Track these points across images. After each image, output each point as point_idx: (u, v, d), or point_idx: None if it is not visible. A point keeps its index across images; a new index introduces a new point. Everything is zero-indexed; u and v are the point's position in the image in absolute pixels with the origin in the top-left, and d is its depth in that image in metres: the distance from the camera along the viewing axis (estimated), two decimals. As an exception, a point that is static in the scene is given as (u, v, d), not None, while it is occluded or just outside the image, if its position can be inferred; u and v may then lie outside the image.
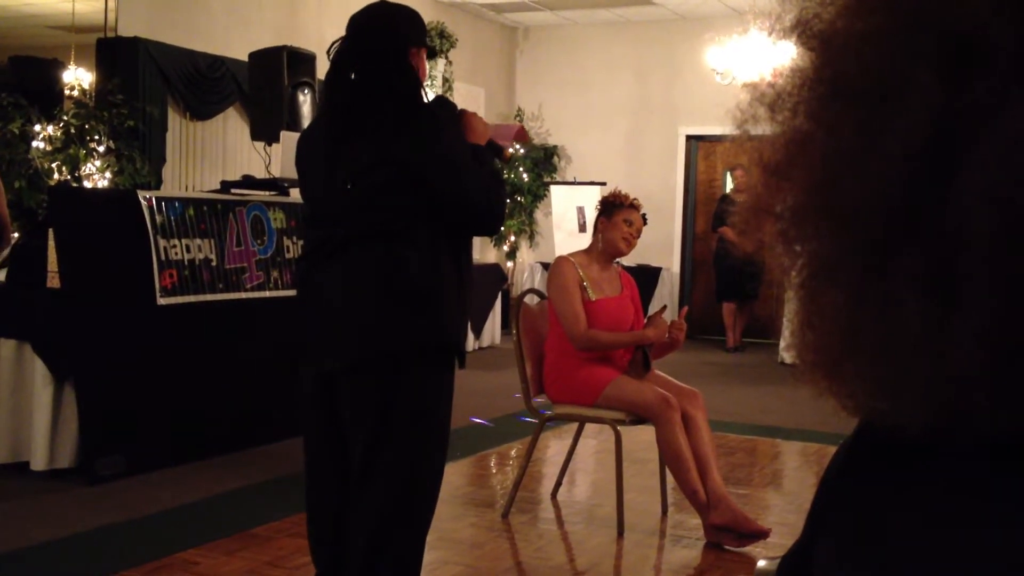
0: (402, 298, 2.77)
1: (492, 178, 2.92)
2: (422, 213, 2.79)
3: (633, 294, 4.53)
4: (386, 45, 2.87)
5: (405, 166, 2.76)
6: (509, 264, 11.53)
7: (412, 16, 2.99)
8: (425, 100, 2.92)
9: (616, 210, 4.41)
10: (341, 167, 2.82)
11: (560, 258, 4.43)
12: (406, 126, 2.79)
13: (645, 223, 4.49)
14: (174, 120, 7.98)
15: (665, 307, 4.59)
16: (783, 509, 4.79)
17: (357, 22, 2.94)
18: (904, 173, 0.57)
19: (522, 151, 11.53)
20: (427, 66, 3.02)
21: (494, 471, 5.53)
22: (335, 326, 2.83)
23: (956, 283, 0.55)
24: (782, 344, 9.36)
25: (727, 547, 4.10)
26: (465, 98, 11.03)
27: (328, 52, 2.94)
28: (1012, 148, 0.53)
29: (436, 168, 2.77)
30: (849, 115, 0.60)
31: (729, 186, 11.01)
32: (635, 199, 4.47)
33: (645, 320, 4.43)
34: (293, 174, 5.90)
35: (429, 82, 9.18)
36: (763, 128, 0.67)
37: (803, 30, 0.65)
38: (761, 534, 4.05)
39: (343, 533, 2.89)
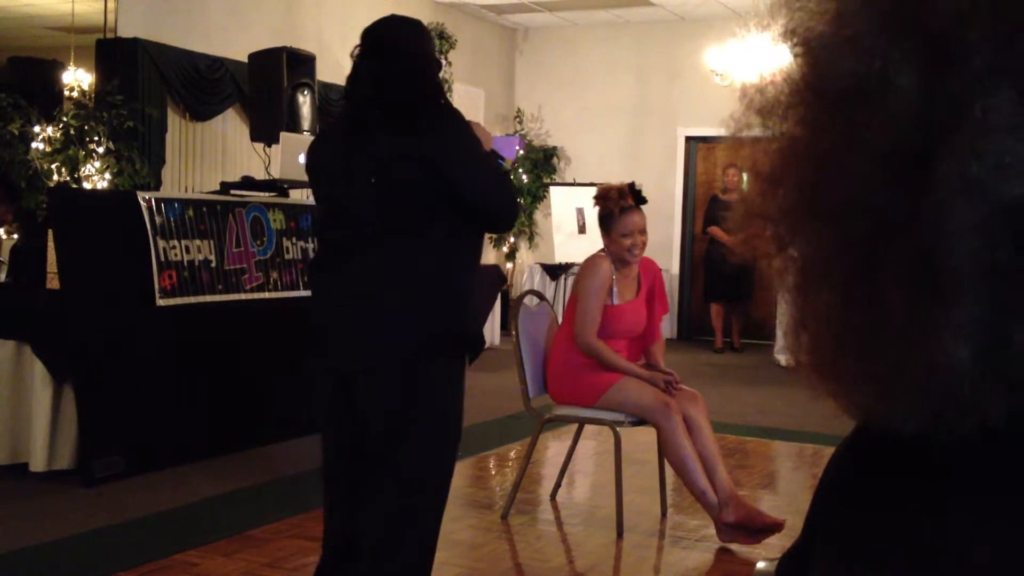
0: (417, 296, 2.80)
1: (506, 176, 2.99)
2: (439, 210, 2.82)
3: (652, 284, 4.43)
4: (406, 52, 2.92)
5: (427, 162, 2.78)
6: (508, 265, 11.53)
7: (422, 28, 3.04)
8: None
9: (611, 223, 4.29)
10: (359, 161, 2.84)
11: (597, 256, 4.33)
12: (428, 122, 2.83)
13: (644, 200, 4.30)
14: (173, 121, 7.97)
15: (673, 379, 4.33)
16: (780, 510, 4.78)
17: (372, 33, 2.97)
18: (884, 170, 0.58)
19: (522, 151, 11.54)
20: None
21: (493, 472, 5.54)
22: (351, 327, 2.85)
23: (937, 276, 0.56)
24: (776, 346, 9.37)
25: (743, 544, 4.08)
26: (464, 99, 11.04)
27: (351, 54, 2.97)
28: (984, 138, 0.54)
29: (458, 163, 2.81)
30: (832, 116, 0.62)
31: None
32: (627, 200, 4.25)
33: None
34: (292, 175, 5.94)
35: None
36: (756, 134, 0.69)
37: (792, 37, 0.67)
38: (775, 526, 4.01)
39: (355, 531, 2.91)
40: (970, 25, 0.56)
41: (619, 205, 4.27)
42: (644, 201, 4.34)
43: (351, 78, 2.96)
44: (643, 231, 4.30)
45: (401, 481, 2.84)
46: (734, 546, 4.16)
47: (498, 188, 2.89)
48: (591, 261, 4.34)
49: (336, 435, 2.98)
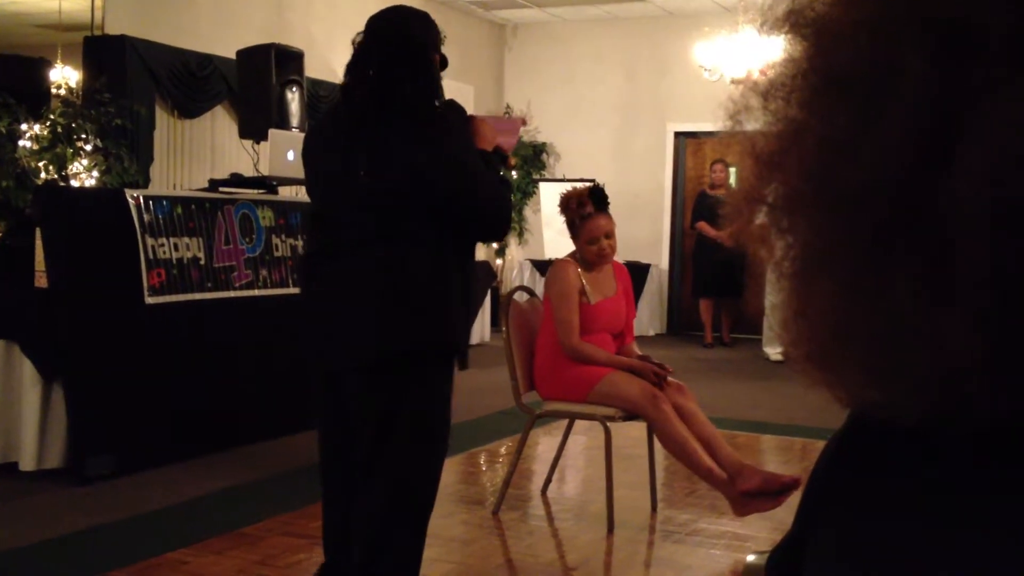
0: (406, 300, 2.79)
1: (500, 184, 2.94)
2: (430, 216, 2.81)
3: (626, 286, 4.52)
4: (406, 45, 2.88)
5: (416, 170, 2.77)
6: (499, 261, 11.53)
7: (430, 21, 3.00)
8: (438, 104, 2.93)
9: (576, 232, 4.27)
10: (353, 164, 2.83)
11: (562, 261, 4.38)
12: (419, 130, 2.81)
13: (607, 201, 4.24)
14: (162, 118, 7.95)
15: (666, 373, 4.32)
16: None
17: (377, 21, 2.94)
18: (899, 160, 0.57)
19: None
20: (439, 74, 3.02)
21: (484, 468, 5.54)
22: (340, 328, 2.85)
23: (951, 270, 0.55)
24: (764, 339, 9.40)
25: (763, 511, 3.96)
26: (454, 95, 10.97)
27: (353, 42, 2.93)
28: (1005, 131, 0.53)
29: (447, 173, 2.79)
30: (844, 103, 0.60)
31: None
32: (585, 208, 4.16)
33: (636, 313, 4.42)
34: (281, 172, 5.92)
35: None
36: (755, 119, 0.67)
37: (796, 19, 0.65)
38: (793, 483, 3.88)
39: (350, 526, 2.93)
40: (987, 11, 0.54)
41: (578, 214, 4.24)
42: (606, 202, 4.27)
43: (351, 66, 2.91)
44: (609, 235, 4.25)
45: (388, 480, 2.85)
46: (723, 540, 4.17)
47: (491, 199, 2.85)
48: (556, 268, 4.37)
49: (328, 432, 2.99)
